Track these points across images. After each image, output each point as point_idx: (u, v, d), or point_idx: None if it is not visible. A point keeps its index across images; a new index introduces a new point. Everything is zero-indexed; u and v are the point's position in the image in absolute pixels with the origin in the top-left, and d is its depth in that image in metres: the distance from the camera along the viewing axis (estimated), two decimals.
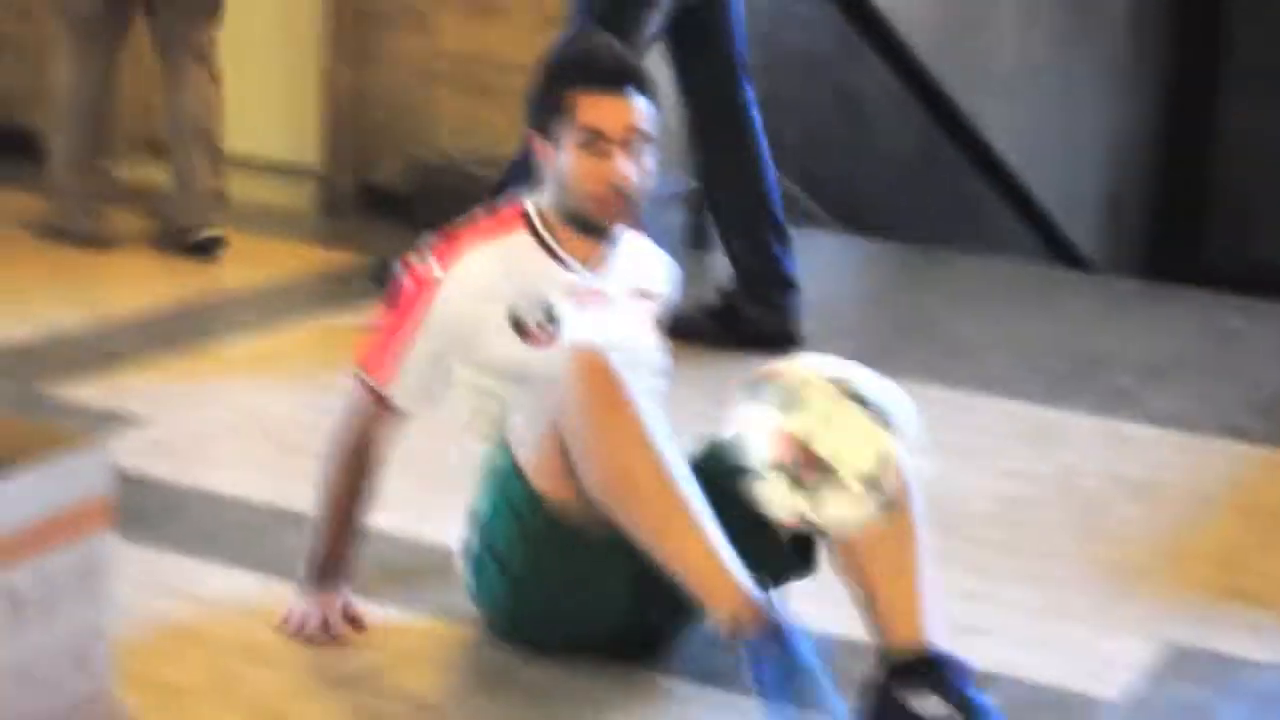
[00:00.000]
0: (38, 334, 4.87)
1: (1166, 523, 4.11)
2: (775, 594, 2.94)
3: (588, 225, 3.28)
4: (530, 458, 3.10)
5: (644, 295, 3.41)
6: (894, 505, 2.97)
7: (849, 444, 2.93)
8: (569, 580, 3.13)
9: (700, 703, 3.15)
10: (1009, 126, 8.42)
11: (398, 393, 3.27)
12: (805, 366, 3.02)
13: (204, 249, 5.65)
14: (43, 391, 4.46)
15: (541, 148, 3.29)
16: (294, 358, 4.86)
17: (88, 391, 4.48)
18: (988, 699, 2.95)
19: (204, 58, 5.74)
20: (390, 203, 6.18)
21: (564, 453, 3.03)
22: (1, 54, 6.77)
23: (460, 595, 3.38)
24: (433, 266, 3.26)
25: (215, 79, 5.76)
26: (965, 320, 5.62)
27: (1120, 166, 9.67)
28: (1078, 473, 4.37)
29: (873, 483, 2.94)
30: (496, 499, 3.17)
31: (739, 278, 5.15)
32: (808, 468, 2.93)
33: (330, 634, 3.25)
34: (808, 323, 5.19)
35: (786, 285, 5.13)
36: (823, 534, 3.05)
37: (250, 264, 5.69)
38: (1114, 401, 4.90)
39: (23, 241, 5.71)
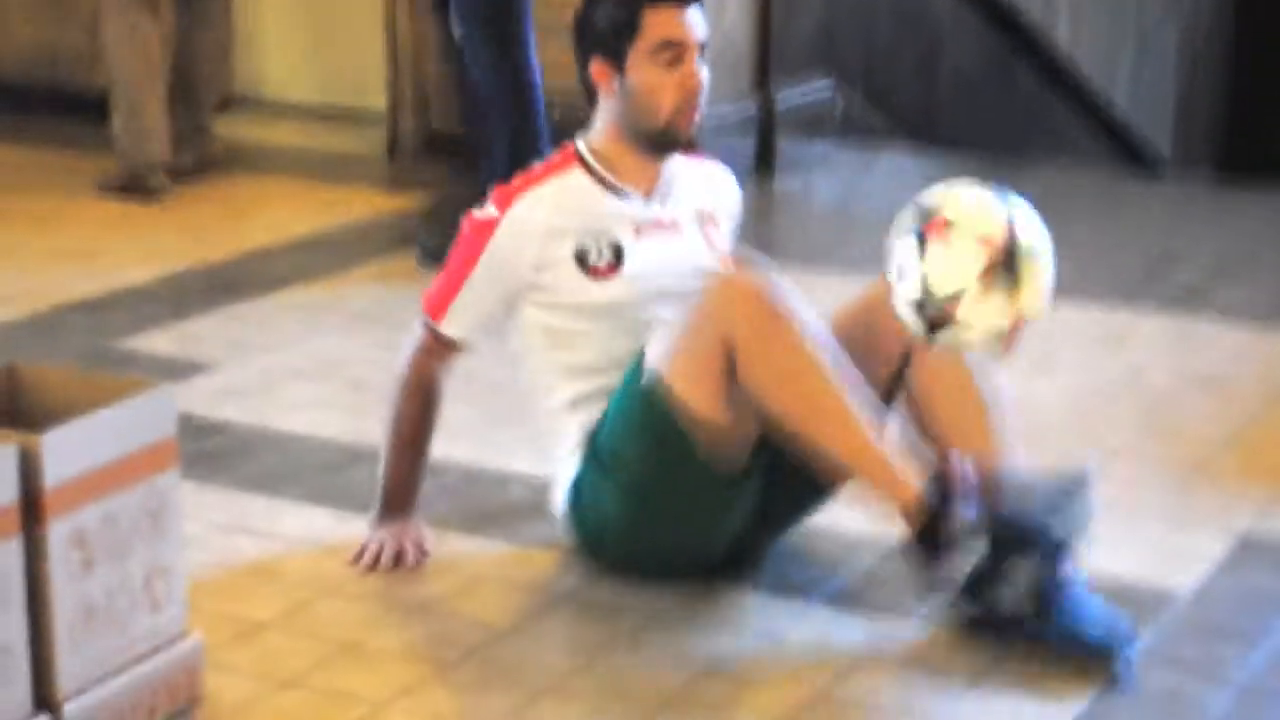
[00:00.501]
0: (106, 288, 4.91)
1: (1236, 417, 4.09)
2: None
3: (663, 142, 3.29)
4: (676, 372, 3.09)
5: (710, 217, 3.42)
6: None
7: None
8: (691, 509, 3.16)
9: (768, 613, 3.17)
10: (1078, 26, 8.34)
11: (450, 328, 3.29)
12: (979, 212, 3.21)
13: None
14: (114, 344, 4.51)
15: (604, 77, 3.29)
16: (360, 299, 4.89)
17: (158, 342, 4.53)
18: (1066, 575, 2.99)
19: (207, 20, 5.97)
20: (453, 146, 6.19)
21: (721, 373, 3.05)
22: (63, 18, 6.82)
23: (527, 521, 3.42)
24: (489, 210, 3.29)
25: (218, 41, 6.07)
26: None
27: (1192, 63, 9.56)
28: (1147, 370, 4.36)
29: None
30: (629, 420, 3.17)
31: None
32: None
33: (402, 563, 3.30)
34: (879, 237, 5.17)
35: None
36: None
37: (316, 209, 5.72)
38: (1184, 299, 4.88)
39: (89, 199, 5.76)
